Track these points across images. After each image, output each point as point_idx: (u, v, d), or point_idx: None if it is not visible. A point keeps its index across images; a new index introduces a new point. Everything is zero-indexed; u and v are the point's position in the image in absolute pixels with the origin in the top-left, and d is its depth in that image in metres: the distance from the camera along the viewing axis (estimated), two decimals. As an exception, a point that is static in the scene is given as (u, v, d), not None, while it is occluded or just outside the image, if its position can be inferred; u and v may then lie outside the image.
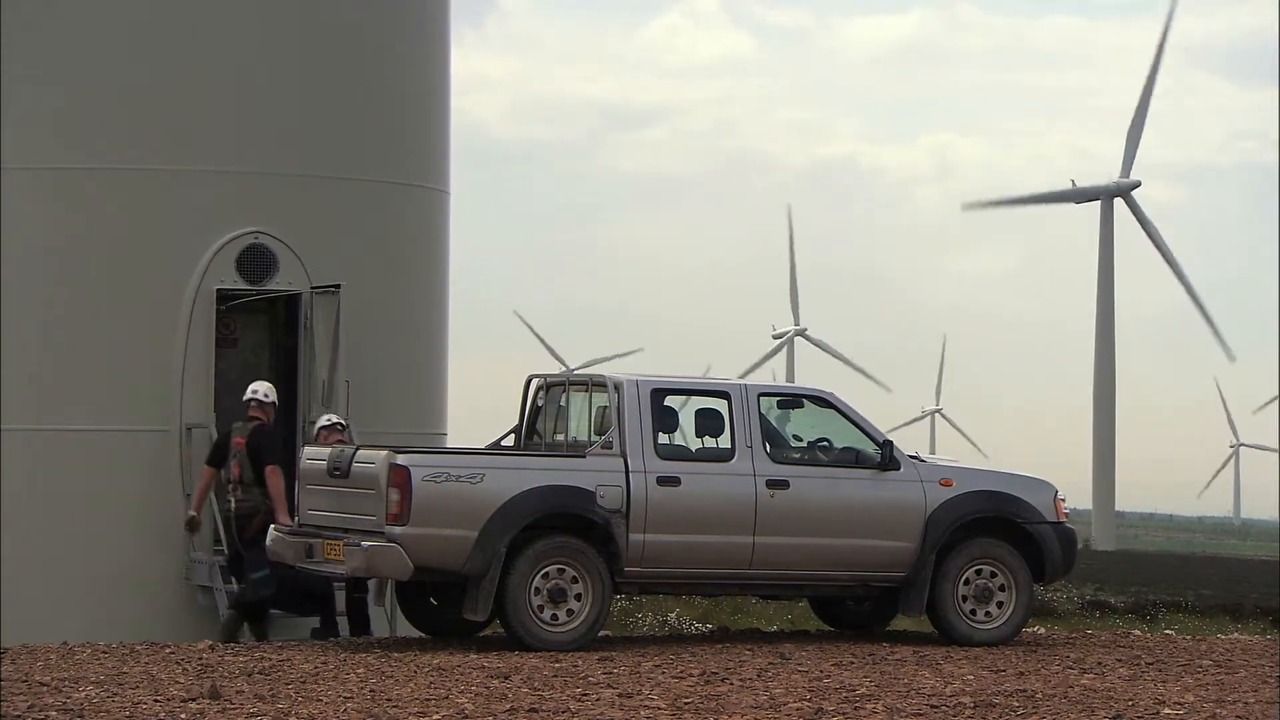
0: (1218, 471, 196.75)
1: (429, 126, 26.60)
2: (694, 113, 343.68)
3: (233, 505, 22.40)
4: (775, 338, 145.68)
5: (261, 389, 22.74)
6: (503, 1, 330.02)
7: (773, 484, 19.98)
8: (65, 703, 14.92)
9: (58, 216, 24.57)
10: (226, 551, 22.86)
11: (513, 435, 21.18)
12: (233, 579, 22.89)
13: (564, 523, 19.34)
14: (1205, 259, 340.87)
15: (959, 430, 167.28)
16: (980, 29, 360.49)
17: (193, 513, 23.26)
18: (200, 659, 17.93)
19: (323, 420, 22.91)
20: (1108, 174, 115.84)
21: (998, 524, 20.68)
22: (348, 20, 25.24)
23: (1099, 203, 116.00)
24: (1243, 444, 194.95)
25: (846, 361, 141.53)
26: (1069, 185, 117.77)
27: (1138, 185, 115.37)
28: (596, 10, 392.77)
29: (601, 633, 19.85)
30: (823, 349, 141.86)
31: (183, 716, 14.39)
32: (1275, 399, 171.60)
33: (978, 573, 20.55)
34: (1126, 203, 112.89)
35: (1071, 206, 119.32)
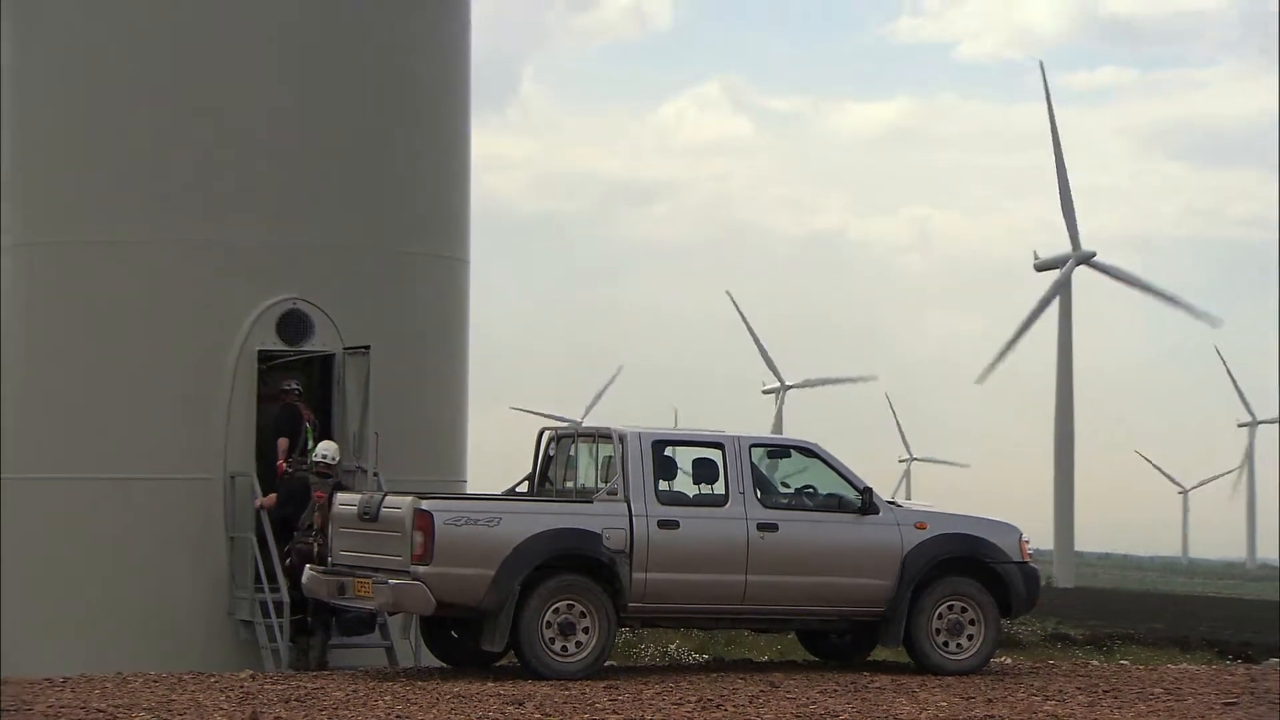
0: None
1: (452, 202, 26.66)
2: (696, 189, 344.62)
3: (316, 547, 22.32)
4: (765, 393, 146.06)
5: (330, 451, 23.10)
6: (524, 90, 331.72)
7: (763, 527, 19.96)
8: (118, 727, 14.91)
9: (119, 282, 24.60)
10: (294, 593, 22.54)
11: (526, 482, 21.14)
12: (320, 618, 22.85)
13: (573, 562, 19.30)
14: (1158, 320, 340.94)
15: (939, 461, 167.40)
16: (957, 115, 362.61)
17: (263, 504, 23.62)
18: (242, 687, 17.90)
19: (316, 455, 23.11)
20: (1066, 245, 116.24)
21: (968, 564, 20.64)
22: (378, 106, 25.31)
23: (1057, 271, 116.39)
24: (1189, 488, 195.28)
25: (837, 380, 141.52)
26: (1033, 256, 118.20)
27: (1094, 254, 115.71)
28: (610, 98, 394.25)
29: (607, 663, 19.79)
30: (810, 384, 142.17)
31: (226, 740, 14.39)
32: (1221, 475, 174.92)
33: (950, 608, 20.51)
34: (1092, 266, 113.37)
35: (1033, 275, 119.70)
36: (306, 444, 23.60)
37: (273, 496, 23.55)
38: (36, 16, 25.49)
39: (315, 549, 22.21)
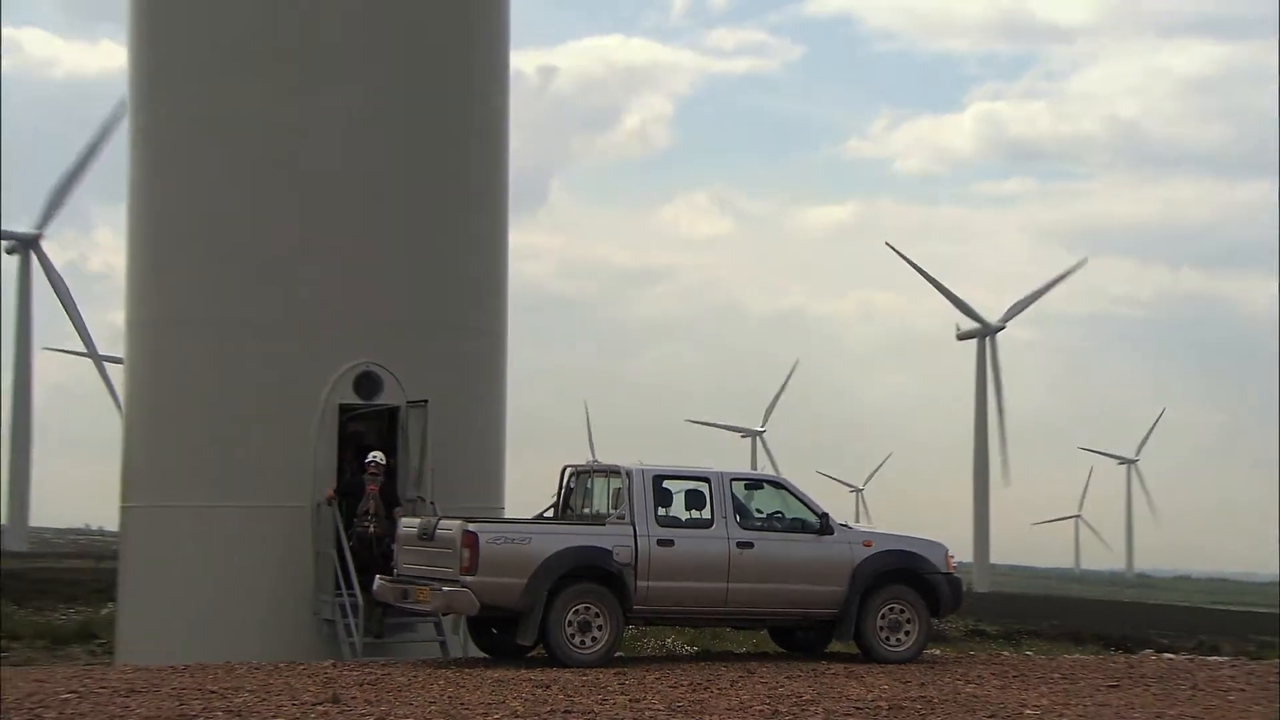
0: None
1: (493, 284, 26.71)
2: (688, 275, 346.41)
3: (370, 529, 23.16)
4: (743, 437, 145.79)
5: (380, 455, 23.52)
6: (552, 195, 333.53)
7: (741, 545, 19.94)
8: (229, 705, 14.88)
9: (234, 350, 24.67)
10: (356, 562, 22.99)
11: (552, 509, 21.14)
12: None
13: (589, 573, 19.26)
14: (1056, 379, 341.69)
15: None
16: (894, 216, 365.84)
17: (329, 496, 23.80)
18: (325, 674, 17.86)
19: (368, 458, 23.55)
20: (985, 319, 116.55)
21: (905, 574, 20.59)
22: (436, 209, 25.40)
23: (975, 340, 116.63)
24: (1080, 515, 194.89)
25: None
26: (956, 328, 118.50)
27: (1003, 328, 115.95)
28: (620, 202, 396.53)
29: (616, 654, 19.75)
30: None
31: (312, 716, 14.35)
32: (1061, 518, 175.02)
33: (891, 609, 20.46)
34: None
35: (955, 343, 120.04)
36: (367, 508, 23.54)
37: (331, 491, 23.83)
38: (159, 147, 25.63)
39: (370, 529, 23.08)
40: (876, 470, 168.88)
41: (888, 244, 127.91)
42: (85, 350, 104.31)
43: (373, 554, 22.98)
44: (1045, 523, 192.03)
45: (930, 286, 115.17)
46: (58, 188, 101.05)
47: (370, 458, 23.50)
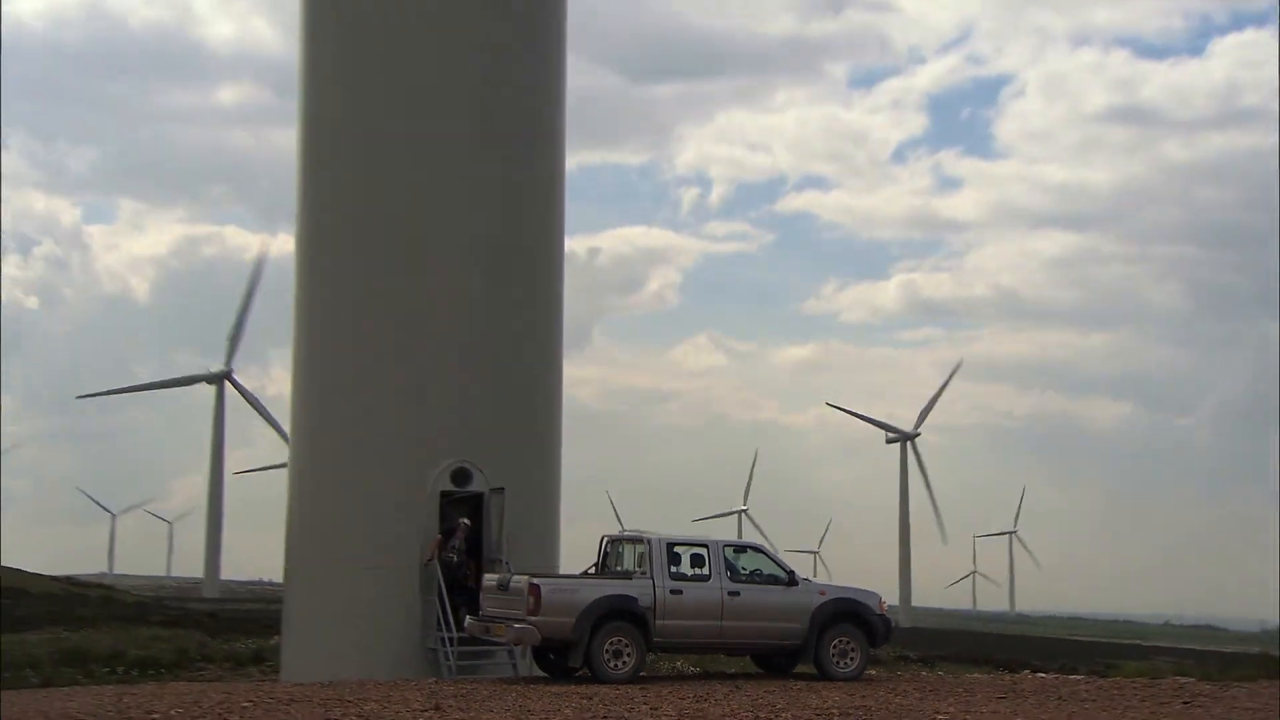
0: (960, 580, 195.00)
1: (552, 407, 26.55)
2: (692, 395, 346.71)
3: (455, 557, 23.34)
4: (730, 514, 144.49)
5: (467, 520, 23.77)
6: (594, 339, 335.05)
7: (731, 594, 19.78)
8: (361, 711, 14.73)
9: (366, 453, 24.50)
10: (444, 576, 23.15)
11: (593, 567, 21.01)
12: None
13: (621, 614, 19.12)
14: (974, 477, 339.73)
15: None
16: (842, 354, 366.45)
17: (429, 558, 23.57)
18: (430, 688, 17.69)
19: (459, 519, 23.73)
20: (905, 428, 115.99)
21: (850, 615, 20.37)
22: (509, 358, 25.22)
23: (898, 444, 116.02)
24: (977, 571, 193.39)
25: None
26: (885, 435, 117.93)
27: (919, 434, 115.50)
28: (643, 343, 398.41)
29: (641, 673, 19.52)
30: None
31: (421, 719, 14.18)
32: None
33: (840, 641, 20.23)
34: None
35: (885, 446, 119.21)
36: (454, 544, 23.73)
37: (435, 547, 23.69)
38: (319, 315, 25.69)
39: (454, 557, 23.22)
40: (824, 534, 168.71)
41: (828, 404, 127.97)
42: (265, 465, 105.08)
43: (454, 574, 23.19)
44: (954, 583, 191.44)
45: (865, 411, 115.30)
46: (233, 335, 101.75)
47: (462, 520, 23.72)
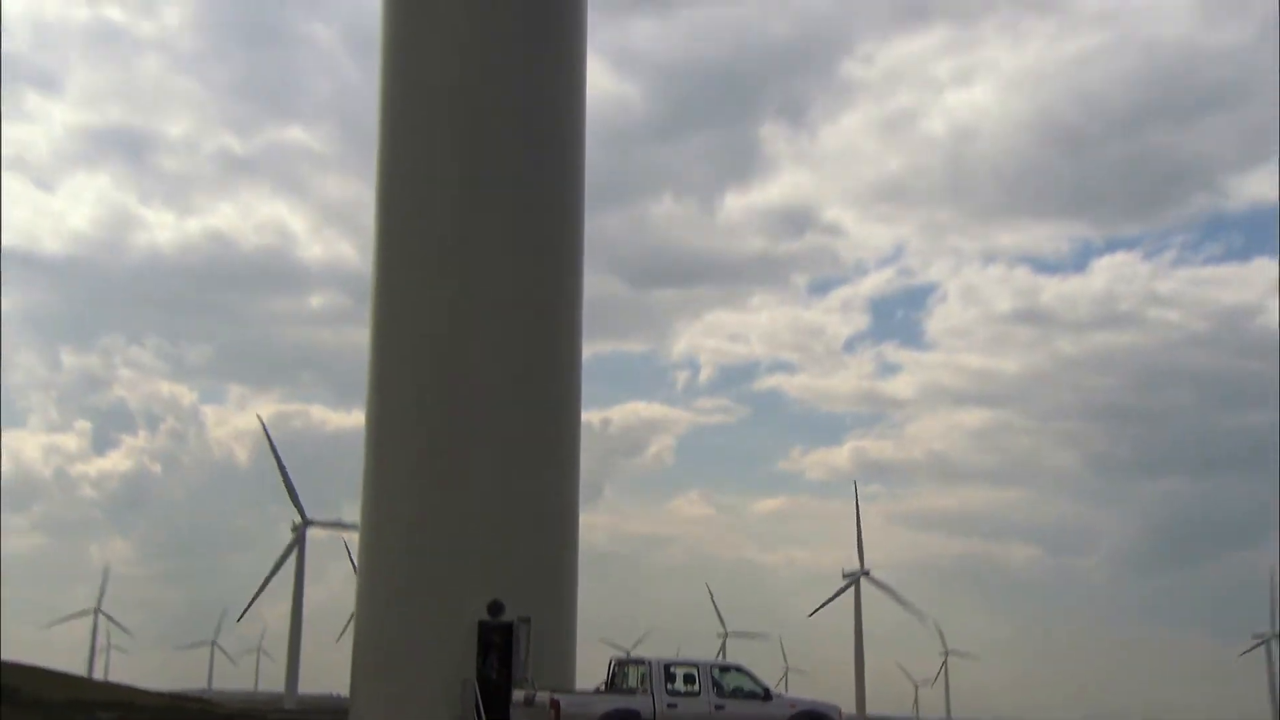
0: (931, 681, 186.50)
1: (570, 555, 25.34)
2: (685, 538, 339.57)
3: (494, 673, 22.13)
4: (718, 636, 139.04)
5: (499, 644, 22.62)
6: (604, 493, 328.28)
7: (718, 706, 18.74)
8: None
9: (415, 593, 23.53)
10: (480, 687, 21.87)
11: (603, 684, 19.90)
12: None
13: (627, 725, 17.97)
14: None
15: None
16: (807, 505, 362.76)
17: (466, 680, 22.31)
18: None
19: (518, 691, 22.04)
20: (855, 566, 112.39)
21: (816, 724, 19.20)
22: (535, 510, 24.38)
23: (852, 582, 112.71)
24: (917, 685, 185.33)
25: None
26: (841, 572, 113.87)
27: (869, 571, 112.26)
28: (647, 498, 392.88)
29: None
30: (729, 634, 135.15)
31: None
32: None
33: (809, 743, 18.99)
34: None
35: (841, 580, 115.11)
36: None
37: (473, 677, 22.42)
38: (382, 484, 25.02)
39: (492, 674, 21.93)
40: (783, 650, 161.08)
41: (809, 616, 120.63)
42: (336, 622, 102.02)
43: (489, 684, 22.19)
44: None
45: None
46: (289, 488, 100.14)
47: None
